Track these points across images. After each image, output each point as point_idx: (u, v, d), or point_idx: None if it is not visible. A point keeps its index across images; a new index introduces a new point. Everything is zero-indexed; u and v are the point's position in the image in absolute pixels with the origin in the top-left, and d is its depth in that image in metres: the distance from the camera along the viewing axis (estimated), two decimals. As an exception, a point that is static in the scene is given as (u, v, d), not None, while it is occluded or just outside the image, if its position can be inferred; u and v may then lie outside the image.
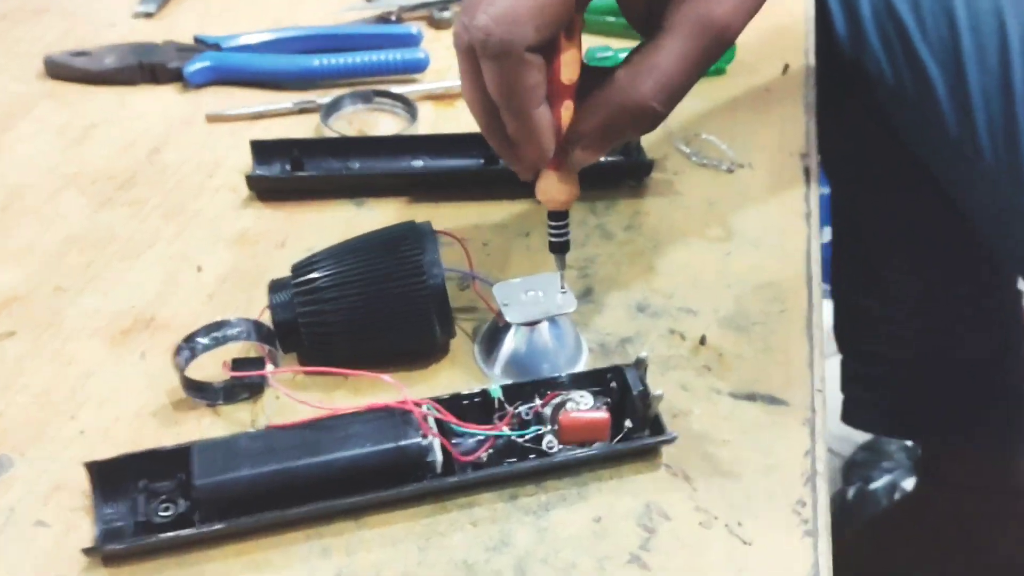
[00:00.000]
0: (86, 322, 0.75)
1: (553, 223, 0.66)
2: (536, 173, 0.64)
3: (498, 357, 0.71)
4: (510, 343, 0.71)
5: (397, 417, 0.61)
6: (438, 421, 0.62)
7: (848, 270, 1.19)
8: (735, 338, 0.74)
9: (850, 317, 1.21)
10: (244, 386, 0.68)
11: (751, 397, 0.70)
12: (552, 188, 0.64)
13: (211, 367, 0.68)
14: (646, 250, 0.83)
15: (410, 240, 0.68)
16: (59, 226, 0.84)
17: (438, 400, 0.64)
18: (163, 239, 0.83)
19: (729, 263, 0.81)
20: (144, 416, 0.68)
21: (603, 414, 0.62)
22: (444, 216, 0.85)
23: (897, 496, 1.61)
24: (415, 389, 0.70)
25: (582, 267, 0.81)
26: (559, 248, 0.68)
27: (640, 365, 0.65)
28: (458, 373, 0.72)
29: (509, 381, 0.70)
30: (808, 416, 0.69)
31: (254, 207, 0.86)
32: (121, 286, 0.78)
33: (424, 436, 0.60)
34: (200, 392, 0.68)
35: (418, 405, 0.62)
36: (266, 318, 0.69)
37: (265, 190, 0.87)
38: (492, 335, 0.72)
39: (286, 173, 0.86)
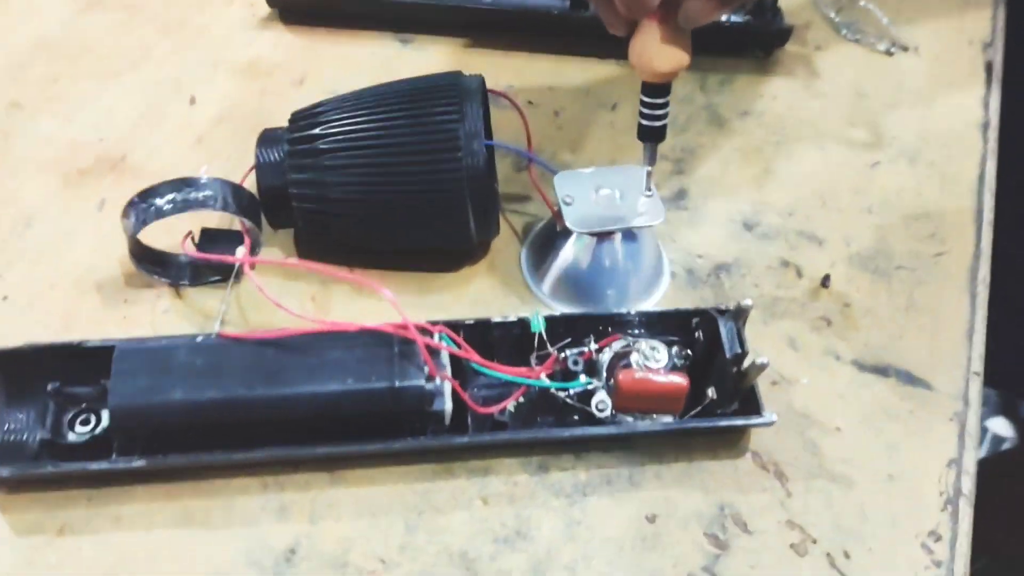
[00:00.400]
0: (38, 151, 0.59)
1: (648, 99, 0.47)
2: (632, 27, 0.45)
3: (550, 271, 0.53)
4: (567, 255, 0.53)
5: (396, 346, 0.44)
6: (453, 357, 0.46)
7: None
8: (869, 284, 0.55)
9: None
10: (214, 267, 0.52)
11: (882, 371, 0.52)
12: (652, 50, 0.44)
13: (180, 233, 0.52)
14: (765, 147, 0.63)
15: (450, 98, 0.49)
16: (29, 25, 0.67)
17: (457, 326, 0.47)
18: (154, 58, 0.66)
19: (874, 179, 0.61)
20: (86, 288, 0.53)
21: (680, 379, 0.45)
22: (509, 68, 0.66)
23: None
24: (434, 299, 0.53)
25: (678, 159, 0.62)
26: (651, 135, 0.49)
27: (741, 315, 0.47)
28: (496, 285, 0.54)
29: (560, 309, 0.53)
30: (958, 409, 0.50)
31: (273, 29, 0.68)
32: (90, 111, 0.62)
33: (430, 377, 0.43)
34: (157, 266, 0.52)
35: (426, 332, 0.45)
36: (253, 182, 0.52)
37: (290, 9, 0.68)
38: (546, 240, 0.55)
39: (317, -11, 0.67)
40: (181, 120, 0.62)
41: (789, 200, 0.60)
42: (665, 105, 0.48)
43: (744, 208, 0.59)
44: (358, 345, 0.44)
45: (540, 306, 0.53)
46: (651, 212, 0.52)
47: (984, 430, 1.53)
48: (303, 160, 0.50)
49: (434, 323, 0.46)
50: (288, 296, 0.53)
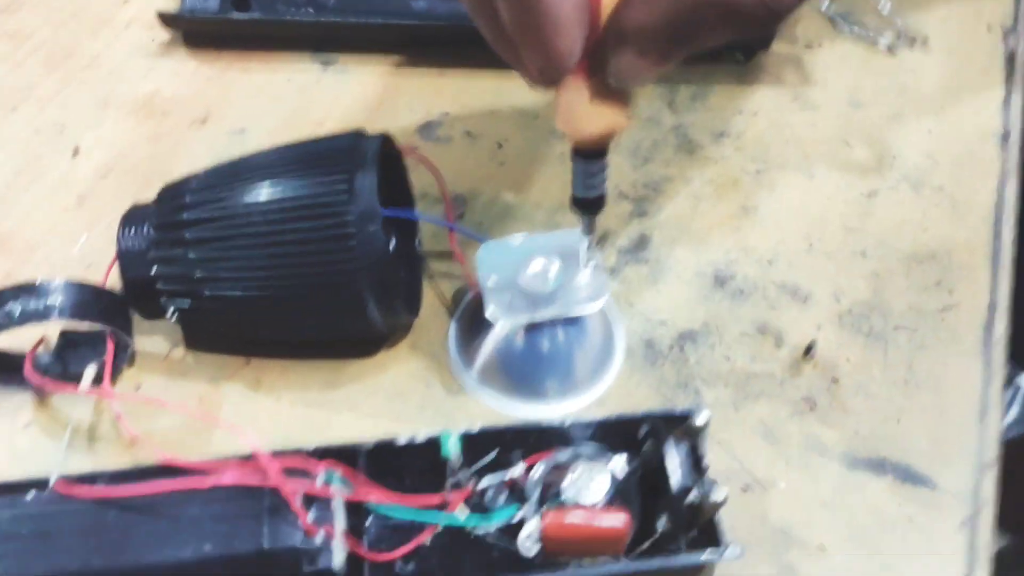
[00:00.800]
0: (-102, 225, 0.52)
1: (579, 165, 0.39)
2: (555, 81, 0.36)
3: (479, 355, 0.45)
4: (498, 338, 0.45)
5: (267, 498, 0.36)
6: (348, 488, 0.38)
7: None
8: (862, 352, 0.47)
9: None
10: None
11: (876, 466, 0.43)
12: (579, 110, 0.35)
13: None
14: (744, 178, 0.54)
15: (339, 172, 0.41)
16: (-102, 64, 0.59)
17: (354, 453, 0.39)
18: (36, 98, 0.57)
19: (871, 212, 0.52)
20: (-62, 397, 0.45)
21: (618, 521, 0.36)
22: (446, 91, 0.57)
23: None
24: (343, 395, 0.45)
25: (639, 197, 0.53)
26: (587, 206, 0.40)
27: (694, 433, 0.39)
28: (418, 371, 0.46)
29: (491, 401, 0.44)
30: (968, 513, 0.42)
31: (174, 56, 0.59)
32: (-45, 169, 0.54)
33: (309, 533, 0.36)
34: (12, 372, 0.44)
35: (305, 474, 0.37)
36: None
37: (194, 32, 0.60)
38: (476, 316, 0.46)
39: (224, 11, 0.58)
40: (62, 175, 0.54)
41: (770, 244, 0.51)
42: (602, 170, 0.39)
43: (716, 257, 0.50)
44: (220, 498, 0.36)
45: (467, 398, 0.45)
46: (593, 290, 0.43)
47: (1016, 388, 1.44)
48: (170, 251, 0.42)
49: (324, 453, 0.39)
50: (171, 396, 0.45)
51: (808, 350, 0.46)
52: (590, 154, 0.38)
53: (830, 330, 0.47)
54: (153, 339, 0.47)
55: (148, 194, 0.45)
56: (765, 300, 0.49)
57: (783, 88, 0.58)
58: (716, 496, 0.36)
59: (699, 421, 0.38)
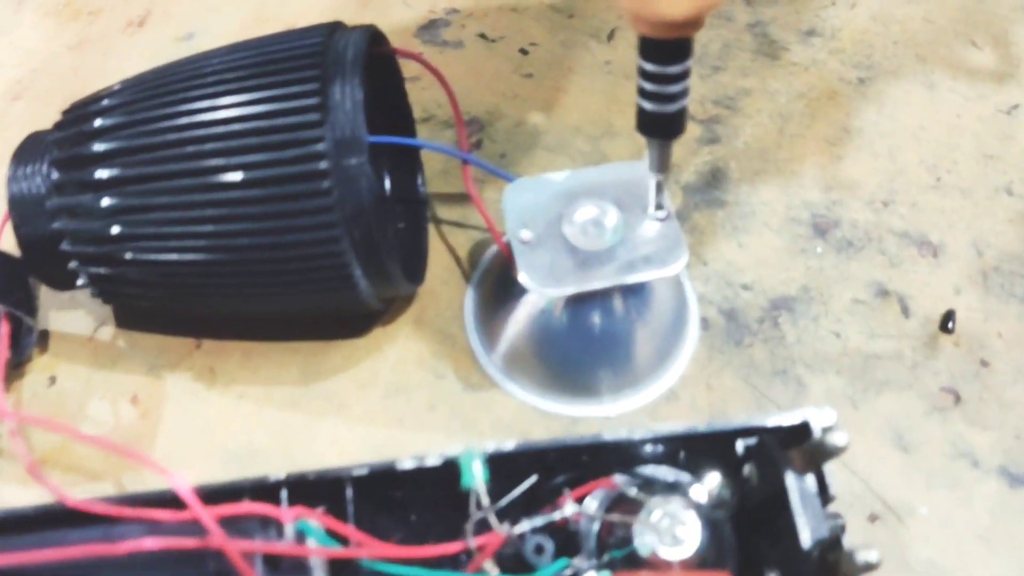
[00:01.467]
0: None
1: (651, 67, 0.26)
2: None
3: (504, 335, 0.34)
4: (530, 313, 0.33)
5: (212, 561, 0.25)
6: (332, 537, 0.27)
7: None
8: (1018, 323, 0.35)
9: None
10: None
11: (1048, 483, 0.32)
12: None
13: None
14: (843, 89, 0.41)
15: (309, 77, 0.29)
16: None
17: (340, 482, 0.28)
18: (-73, -4, 0.45)
19: (1014, 132, 0.40)
20: None
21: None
22: (454, -15, 0.44)
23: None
24: (324, 391, 0.34)
25: (710, 118, 0.40)
26: (659, 127, 0.28)
27: (818, 454, 0.27)
28: (425, 355, 0.35)
29: (522, 395, 0.33)
30: None
31: (105, -60, 0.46)
32: None
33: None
34: None
35: (268, 525, 0.26)
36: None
37: (129, -93, 0.46)
38: (500, 283, 0.35)
39: None
40: (-40, 97, 0.41)
41: (883, 178, 0.39)
42: (682, 77, 0.27)
43: (813, 197, 0.38)
44: (147, 565, 0.25)
45: (491, 393, 0.34)
46: (663, 249, 0.31)
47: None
48: (76, 198, 0.30)
49: (298, 485, 0.27)
50: (98, 396, 0.34)
51: (946, 322, 0.35)
52: (667, 50, 0.26)
53: (972, 294, 0.36)
54: (73, 315, 0.35)
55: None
56: (883, 254, 0.37)
57: (887, -27, 0.45)
58: (865, 558, 0.25)
59: (836, 440, 0.26)
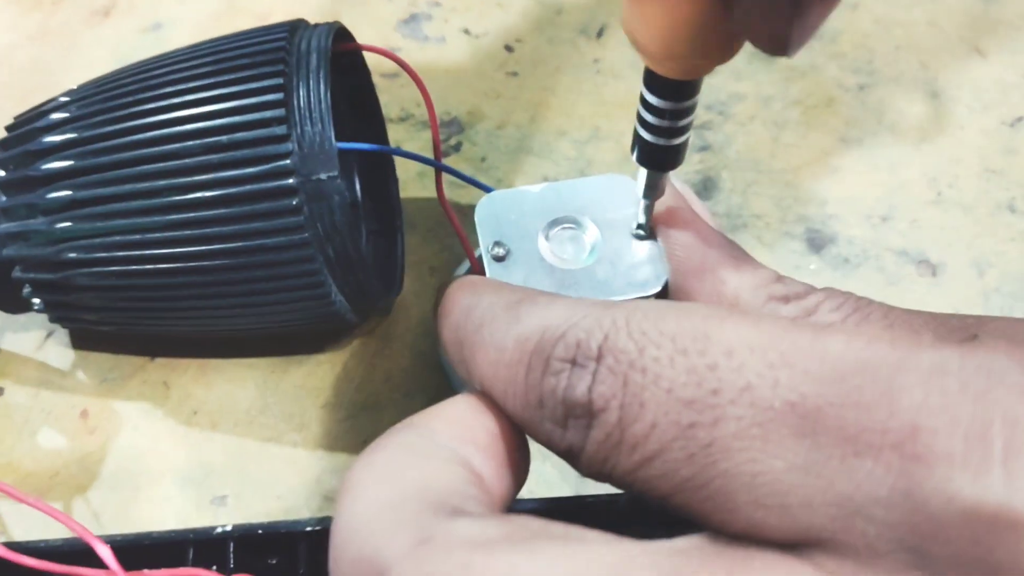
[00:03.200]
0: None
1: (654, 100, 0.24)
2: None
3: (480, 354, 0.32)
4: (507, 334, 0.31)
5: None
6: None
7: None
8: None
9: None
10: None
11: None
12: (678, 13, 0.21)
13: None
14: (843, 97, 0.39)
15: (270, 85, 0.27)
16: None
17: (286, 541, 0.26)
18: None
19: (1019, 146, 0.38)
20: None
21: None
22: (436, -23, 0.42)
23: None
24: (285, 409, 0.32)
25: (702, 124, 0.38)
26: (657, 159, 0.26)
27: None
28: (394, 371, 0.33)
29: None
30: None
31: (72, -77, 0.44)
32: None
33: None
34: None
35: None
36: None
37: None
38: (474, 298, 0.32)
39: None
40: (-86, 88, 0.39)
41: (882, 192, 0.37)
42: (687, 112, 0.25)
43: (808, 211, 0.36)
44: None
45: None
46: (644, 269, 0.29)
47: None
48: (25, 223, 0.28)
49: (242, 540, 0.25)
50: (47, 411, 0.32)
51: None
52: (673, 87, 0.24)
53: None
54: (22, 325, 0.33)
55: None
56: (880, 273, 0.35)
57: (891, -27, 0.43)
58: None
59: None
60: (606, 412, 0.18)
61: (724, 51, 0.22)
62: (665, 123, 0.25)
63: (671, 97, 0.24)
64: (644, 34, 0.22)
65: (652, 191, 0.27)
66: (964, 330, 0.22)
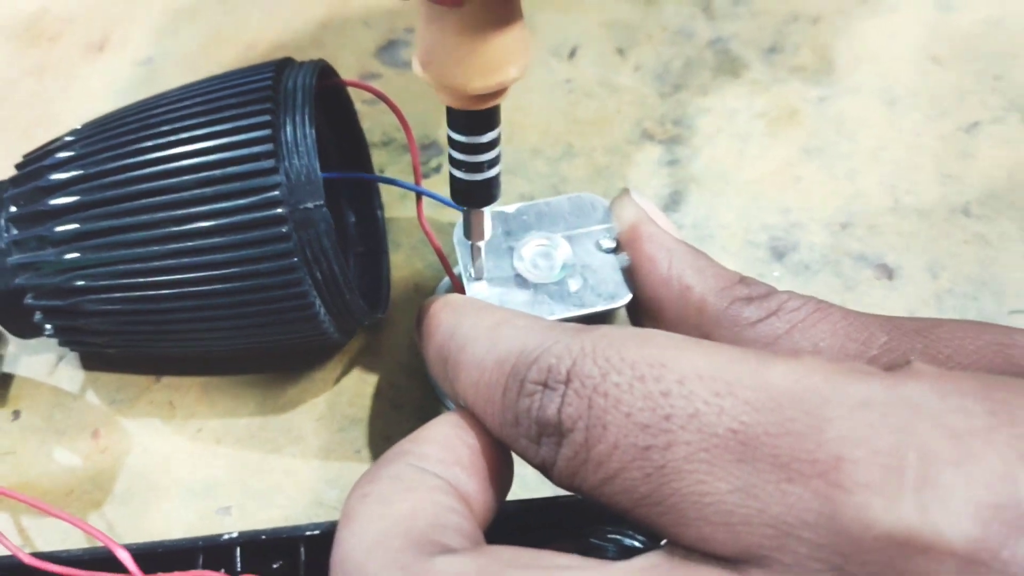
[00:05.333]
0: None
1: (461, 136, 0.26)
2: None
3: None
4: (488, 347, 0.33)
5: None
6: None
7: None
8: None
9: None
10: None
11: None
12: (464, 47, 0.23)
13: None
14: (804, 107, 0.41)
15: (259, 123, 0.29)
16: None
17: (286, 546, 0.28)
18: None
19: (973, 151, 0.40)
20: None
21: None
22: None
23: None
24: (279, 426, 0.34)
25: (671, 138, 0.40)
26: (474, 198, 0.28)
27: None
28: (380, 384, 0.35)
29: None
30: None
31: (66, -39, 0.46)
32: None
33: None
34: None
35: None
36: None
37: (89, -74, 0.46)
38: (457, 314, 0.34)
39: None
40: (-80, 125, 0.41)
41: (842, 200, 0.39)
42: (491, 146, 0.27)
43: (772, 220, 0.38)
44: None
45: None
46: (613, 281, 0.31)
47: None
48: (37, 255, 0.30)
49: (248, 545, 0.27)
50: (60, 431, 0.34)
51: (899, 347, 0.35)
52: (474, 119, 0.26)
53: (925, 316, 0.36)
54: (32, 347, 0.35)
55: (29, 149, 0.33)
56: (839, 277, 0.37)
57: (850, -14, 0.45)
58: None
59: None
60: (574, 432, 0.20)
61: (513, 74, 0.23)
62: (466, 158, 0.26)
63: (467, 131, 0.25)
64: (440, 73, 0.23)
65: (474, 232, 0.28)
66: (916, 334, 0.24)
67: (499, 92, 0.24)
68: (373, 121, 0.40)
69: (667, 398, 0.19)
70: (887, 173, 0.39)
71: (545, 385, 0.21)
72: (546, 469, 0.21)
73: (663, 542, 0.21)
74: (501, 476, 0.23)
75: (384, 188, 0.37)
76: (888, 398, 0.17)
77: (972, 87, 0.42)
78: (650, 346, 0.20)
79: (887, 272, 0.37)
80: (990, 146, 0.40)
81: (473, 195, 0.27)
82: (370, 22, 0.44)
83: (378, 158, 0.39)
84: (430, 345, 0.26)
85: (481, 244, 0.30)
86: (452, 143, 0.26)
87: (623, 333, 0.21)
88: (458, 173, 0.27)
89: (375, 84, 0.42)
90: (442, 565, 0.19)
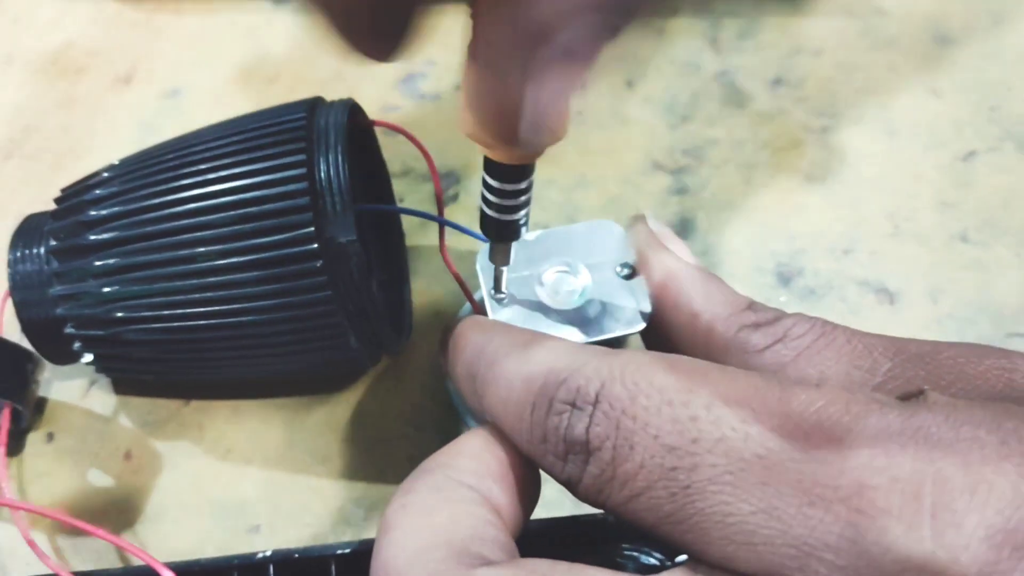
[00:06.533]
0: None
1: (496, 182, 0.27)
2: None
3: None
4: (508, 371, 0.34)
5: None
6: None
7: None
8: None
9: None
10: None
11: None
12: (503, 109, 0.24)
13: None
14: (807, 137, 0.43)
15: (293, 162, 0.30)
16: None
17: (316, 566, 0.29)
18: (-82, 54, 0.46)
19: (970, 179, 0.42)
20: None
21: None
22: (433, 29, 0.46)
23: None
24: (308, 444, 0.35)
25: (679, 168, 0.42)
26: (501, 234, 0.29)
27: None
28: (403, 407, 0.36)
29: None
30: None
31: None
32: None
33: None
34: None
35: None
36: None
37: (115, -38, 0.48)
38: (477, 339, 0.36)
39: (149, -68, 0.46)
40: (-46, 156, 0.43)
41: (845, 227, 0.40)
42: (522, 192, 0.28)
43: (778, 246, 0.40)
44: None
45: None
46: (631, 307, 0.33)
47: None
48: (77, 286, 0.31)
49: (283, 567, 0.29)
50: (94, 453, 0.35)
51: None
52: (509, 171, 0.27)
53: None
54: (64, 372, 0.37)
55: (59, 181, 0.34)
56: (843, 302, 0.38)
57: (850, 19, 0.47)
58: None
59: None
60: (601, 451, 0.21)
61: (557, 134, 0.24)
62: (500, 201, 0.28)
63: (502, 179, 0.27)
64: (484, 133, 0.25)
65: (497, 258, 0.30)
66: (919, 359, 0.25)
67: (538, 152, 0.26)
68: (392, 151, 0.41)
69: (695, 423, 0.20)
70: (887, 201, 0.41)
71: (574, 405, 0.22)
72: (572, 485, 0.22)
73: (681, 557, 0.22)
74: (530, 489, 0.24)
75: (404, 218, 0.39)
76: (905, 428, 0.18)
77: (969, 118, 0.43)
78: (677, 371, 0.21)
79: (889, 297, 0.38)
80: (986, 174, 0.41)
81: (503, 232, 0.29)
82: (389, 56, 0.45)
83: (397, 187, 0.41)
84: (458, 361, 0.27)
85: (504, 269, 0.31)
86: (486, 185, 0.27)
87: (650, 358, 0.22)
88: (490, 212, 0.28)
89: (395, 115, 0.43)
90: None
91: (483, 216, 0.29)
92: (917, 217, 0.40)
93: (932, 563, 0.17)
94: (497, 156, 0.26)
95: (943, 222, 0.40)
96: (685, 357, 0.22)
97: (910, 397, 0.19)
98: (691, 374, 0.21)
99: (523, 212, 0.28)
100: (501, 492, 0.23)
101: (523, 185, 0.27)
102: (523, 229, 0.29)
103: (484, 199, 0.28)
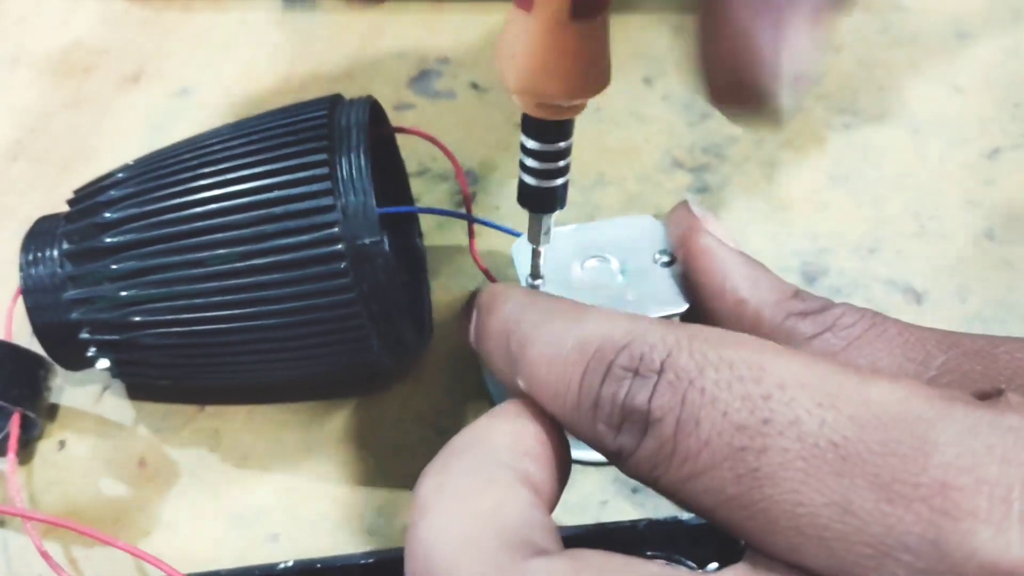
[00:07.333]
0: None
1: (531, 144, 0.27)
2: None
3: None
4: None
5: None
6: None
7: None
8: (1003, 371, 0.36)
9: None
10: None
11: None
12: (551, 53, 0.23)
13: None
14: (829, 135, 0.42)
15: (314, 161, 0.29)
16: None
17: (338, 572, 0.28)
18: (-79, 54, 0.45)
19: (995, 176, 0.41)
20: None
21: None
22: (447, 28, 0.45)
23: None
24: (327, 450, 0.34)
25: (699, 166, 0.41)
26: (542, 204, 0.29)
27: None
28: (422, 410, 0.35)
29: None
30: None
31: (99, -4, 0.47)
32: None
33: None
34: None
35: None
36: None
37: (122, -40, 0.47)
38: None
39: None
40: (-44, 158, 0.42)
41: (869, 226, 0.40)
42: (564, 154, 0.27)
43: (802, 245, 0.39)
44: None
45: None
46: (669, 291, 0.32)
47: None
48: (93, 290, 0.30)
49: (302, 573, 0.28)
50: (106, 460, 0.34)
51: (932, 370, 0.36)
52: (551, 128, 0.26)
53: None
54: (79, 380, 0.36)
55: (68, 182, 0.34)
56: (870, 302, 0.37)
57: (870, 15, 0.46)
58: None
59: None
60: (663, 423, 0.19)
61: (574, 85, 0.24)
62: (539, 165, 0.27)
63: (541, 139, 0.26)
64: (502, 68, 0.24)
65: (535, 235, 0.29)
66: (975, 355, 0.23)
67: (580, 105, 0.25)
68: (408, 151, 0.40)
69: (767, 401, 0.19)
70: (912, 199, 0.40)
71: (636, 372, 0.20)
72: (621, 458, 0.21)
73: (711, 565, 0.21)
74: (564, 466, 0.23)
75: (421, 218, 0.38)
76: (993, 428, 0.17)
77: (993, 114, 0.43)
78: (747, 347, 0.20)
79: (916, 297, 0.38)
80: (1011, 171, 0.41)
81: (543, 201, 0.28)
82: (403, 53, 0.45)
83: (414, 186, 0.40)
84: (494, 318, 0.25)
85: (542, 249, 0.30)
86: (525, 150, 0.27)
87: (716, 332, 0.20)
88: (529, 179, 0.27)
89: (409, 114, 0.42)
90: (537, 568, 0.19)
91: (522, 186, 0.28)
92: (942, 215, 0.40)
93: (1021, 570, 0.16)
94: (537, 109, 0.25)
95: (969, 220, 0.40)
96: (749, 336, 0.21)
97: (986, 396, 0.19)
98: (762, 351, 0.20)
99: (562, 180, 0.27)
100: (538, 470, 0.22)
101: (563, 145, 0.26)
102: (564, 199, 0.28)
103: (522, 166, 0.27)
